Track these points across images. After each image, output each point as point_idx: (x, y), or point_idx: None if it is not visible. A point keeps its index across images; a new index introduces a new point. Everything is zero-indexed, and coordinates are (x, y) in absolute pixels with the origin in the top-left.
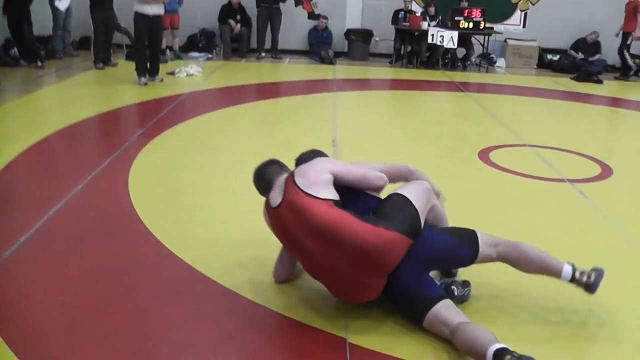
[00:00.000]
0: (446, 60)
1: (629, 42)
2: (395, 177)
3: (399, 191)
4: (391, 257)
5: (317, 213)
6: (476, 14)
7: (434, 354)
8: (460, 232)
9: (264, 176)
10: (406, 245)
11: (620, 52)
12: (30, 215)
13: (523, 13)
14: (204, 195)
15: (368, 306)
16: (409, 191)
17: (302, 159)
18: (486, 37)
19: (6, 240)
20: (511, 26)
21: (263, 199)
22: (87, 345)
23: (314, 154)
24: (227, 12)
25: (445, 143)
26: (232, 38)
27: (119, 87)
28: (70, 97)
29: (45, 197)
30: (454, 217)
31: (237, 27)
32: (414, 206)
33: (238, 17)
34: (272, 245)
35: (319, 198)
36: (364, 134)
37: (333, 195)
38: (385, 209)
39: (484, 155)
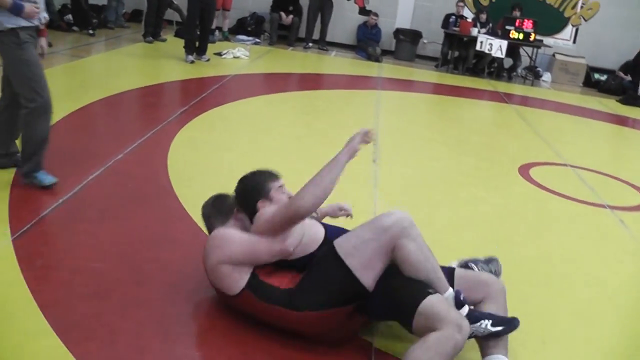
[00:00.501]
0: (492, 69)
1: None
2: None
3: (336, 248)
4: (335, 325)
5: (245, 311)
6: (527, 25)
7: None
8: (404, 298)
9: (208, 216)
10: (343, 312)
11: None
12: (69, 179)
13: (574, 29)
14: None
15: None
16: (347, 245)
17: (238, 196)
18: (535, 50)
19: (44, 201)
20: (561, 40)
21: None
22: (113, 315)
23: (242, 184)
24: (280, 1)
25: (485, 154)
26: (281, 25)
27: (165, 63)
28: (117, 67)
29: (85, 163)
30: (489, 230)
31: (289, 18)
32: (347, 270)
33: (291, 7)
34: None
35: (235, 295)
36: (404, 136)
37: (242, 277)
38: (312, 278)
39: (524, 171)
